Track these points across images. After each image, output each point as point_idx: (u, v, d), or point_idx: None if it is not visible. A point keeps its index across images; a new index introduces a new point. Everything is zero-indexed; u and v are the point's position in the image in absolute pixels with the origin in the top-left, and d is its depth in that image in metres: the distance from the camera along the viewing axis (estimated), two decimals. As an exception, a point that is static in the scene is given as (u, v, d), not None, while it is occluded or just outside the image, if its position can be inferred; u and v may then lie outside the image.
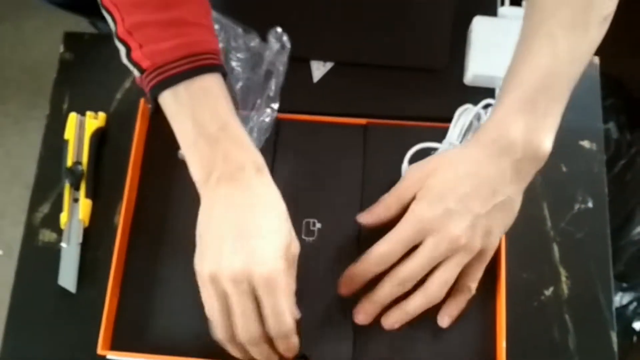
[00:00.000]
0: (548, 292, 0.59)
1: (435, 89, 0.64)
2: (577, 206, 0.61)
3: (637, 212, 1.05)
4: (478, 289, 0.54)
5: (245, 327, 0.47)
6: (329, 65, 0.65)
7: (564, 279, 0.59)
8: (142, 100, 0.61)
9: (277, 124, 0.61)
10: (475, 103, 0.59)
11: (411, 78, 0.64)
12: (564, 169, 0.62)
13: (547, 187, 0.62)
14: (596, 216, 0.61)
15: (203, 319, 0.51)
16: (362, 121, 0.61)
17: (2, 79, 1.25)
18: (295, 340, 0.50)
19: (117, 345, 0.55)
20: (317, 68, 0.65)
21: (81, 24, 1.24)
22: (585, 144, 0.63)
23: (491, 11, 0.67)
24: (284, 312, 0.47)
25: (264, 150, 0.58)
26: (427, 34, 0.65)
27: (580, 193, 0.62)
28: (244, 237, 0.47)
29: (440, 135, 0.59)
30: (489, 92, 0.63)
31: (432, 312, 0.54)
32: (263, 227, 0.48)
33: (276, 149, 0.60)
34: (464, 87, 0.64)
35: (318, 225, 0.58)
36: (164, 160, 0.60)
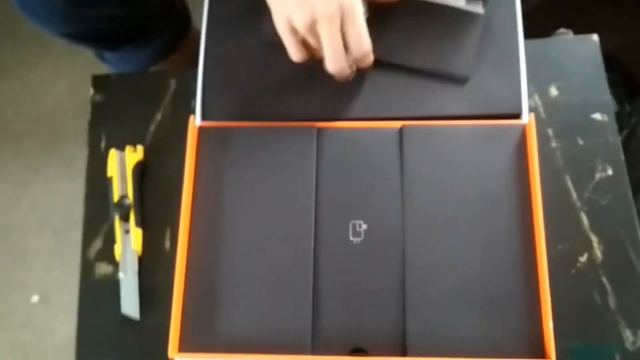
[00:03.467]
0: (583, 259, 0.62)
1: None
2: (598, 175, 0.65)
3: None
4: (520, 267, 0.58)
5: (337, 57, 0.58)
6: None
7: (595, 245, 0.63)
8: (190, 119, 0.64)
9: (318, 133, 0.64)
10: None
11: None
12: (581, 142, 0.66)
13: (568, 161, 0.65)
14: (617, 183, 0.65)
15: (267, 316, 0.56)
16: (397, 124, 0.65)
17: (17, 134, 1.28)
18: (372, 55, 0.61)
19: (186, 347, 0.58)
20: None
21: (86, 69, 1.29)
22: (597, 116, 0.67)
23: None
24: (365, 33, 0.58)
25: (306, 159, 0.63)
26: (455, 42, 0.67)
27: (599, 162, 0.65)
28: None
29: (468, 134, 0.63)
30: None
31: (481, 293, 0.58)
32: None
33: (318, 157, 0.64)
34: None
35: (364, 226, 0.62)
36: (215, 177, 0.64)
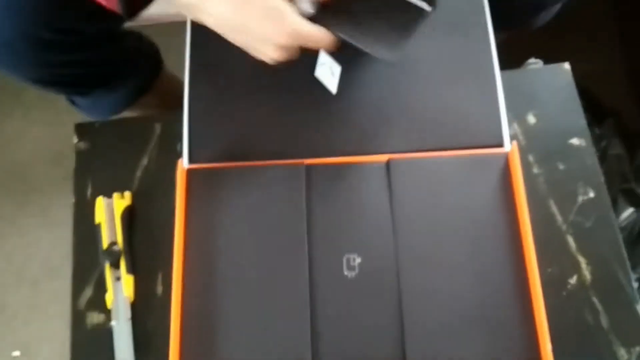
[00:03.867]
0: (573, 280, 0.63)
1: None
2: (580, 198, 0.67)
3: (619, 200, 1.11)
4: (514, 291, 0.59)
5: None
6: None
7: (584, 266, 0.64)
8: (178, 162, 0.64)
9: (306, 170, 0.65)
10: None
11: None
12: (561, 166, 0.68)
13: (550, 185, 0.67)
14: (599, 204, 0.67)
15: (265, 357, 0.55)
16: (384, 157, 0.66)
17: (-9, 185, 1.26)
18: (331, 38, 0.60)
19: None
20: None
21: (59, 117, 1.28)
22: (575, 141, 0.69)
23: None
24: (318, 36, 0.59)
25: (296, 196, 0.63)
26: None
27: (581, 186, 0.67)
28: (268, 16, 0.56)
29: (453, 164, 0.65)
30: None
31: (477, 316, 0.59)
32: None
33: (308, 193, 0.65)
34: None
35: (358, 259, 0.62)
36: (205, 219, 0.64)
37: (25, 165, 1.26)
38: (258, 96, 0.68)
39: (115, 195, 0.67)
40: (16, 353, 1.09)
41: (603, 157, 1.14)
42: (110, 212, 0.66)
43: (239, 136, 0.68)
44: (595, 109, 1.17)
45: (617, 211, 1.11)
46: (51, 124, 1.30)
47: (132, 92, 0.93)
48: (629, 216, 1.10)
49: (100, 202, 0.67)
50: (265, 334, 0.60)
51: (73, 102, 0.95)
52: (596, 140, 1.14)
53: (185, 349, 0.59)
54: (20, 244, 1.19)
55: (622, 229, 1.11)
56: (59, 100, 0.96)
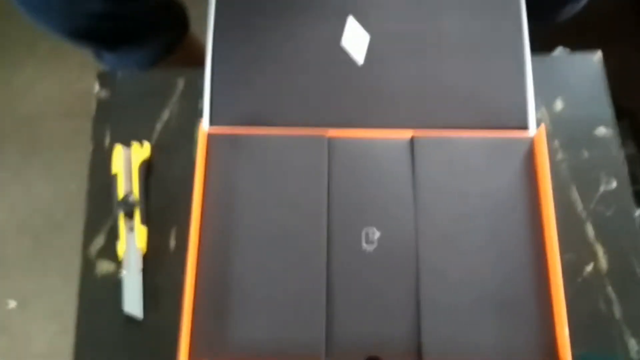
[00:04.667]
0: (589, 268, 0.63)
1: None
2: (602, 187, 0.66)
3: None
4: (533, 274, 0.59)
5: None
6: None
7: (601, 255, 0.64)
8: (200, 124, 0.63)
9: (329, 142, 0.64)
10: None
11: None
12: (586, 155, 0.67)
13: (574, 172, 0.66)
14: (620, 195, 0.66)
15: (279, 325, 0.56)
16: (408, 133, 0.65)
17: (-1, 134, 1.25)
18: None
19: (196, 354, 0.57)
20: None
21: (72, 73, 1.27)
22: (601, 130, 0.68)
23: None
24: None
25: (317, 168, 0.63)
26: None
27: (604, 175, 0.67)
28: None
29: (478, 144, 0.64)
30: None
31: (495, 300, 0.58)
32: None
33: (329, 166, 0.64)
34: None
35: (377, 233, 0.61)
36: (225, 185, 0.63)
37: (34, 118, 1.25)
38: (283, 62, 0.67)
39: (134, 144, 0.66)
40: (12, 304, 1.08)
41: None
42: (127, 161, 0.65)
43: (261, 101, 0.67)
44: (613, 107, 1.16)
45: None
46: (63, 79, 1.28)
47: (159, 50, 0.92)
48: (638, 217, 1.10)
49: (119, 150, 0.66)
50: (281, 301, 0.59)
51: (99, 56, 0.94)
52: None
53: (198, 312, 0.59)
54: (24, 195, 1.18)
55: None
56: (73, 56, 0.95)
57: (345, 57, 0.67)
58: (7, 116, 1.26)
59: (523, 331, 0.58)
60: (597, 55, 0.72)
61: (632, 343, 0.60)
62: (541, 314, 0.58)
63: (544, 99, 0.70)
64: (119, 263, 0.63)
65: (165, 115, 0.69)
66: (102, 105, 0.70)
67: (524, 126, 0.66)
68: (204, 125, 0.64)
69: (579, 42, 0.92)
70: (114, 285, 0.62)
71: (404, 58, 0.68)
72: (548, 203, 0.61)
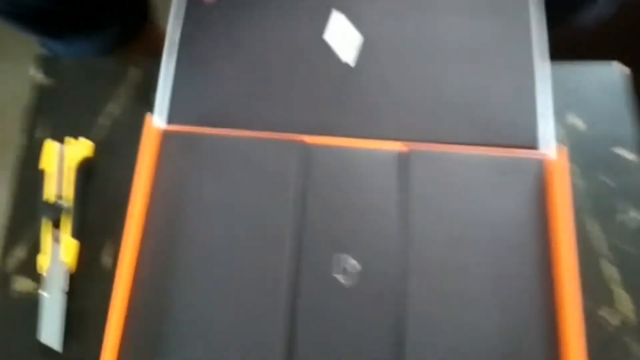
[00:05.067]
0: (614, 321, 0.52)
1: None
2: (622, 218, 0.56)
3: None
4: (541, 317, 0.48)
5: None
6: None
7: (622, 301, 0.53)
8: (147, 117, 0.53)
9: (305, 149, 0.54)
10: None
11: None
12: (606, 180, 0.57)
13: (590, 200, 0.56)
14: (646, 229, 0.56)
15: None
16: (398, 145, 0.55)
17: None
18: None
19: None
20: None
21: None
22: (622, 152, 0.58)
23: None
24: None
25: (289, 178, 0.52)
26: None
27: (625, 205, 0.56)
28: None
29: (484, 163, 0.54)
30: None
31: (493, 354, 0.47)
32: None
33: (304, 177, 0.53)
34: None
35: (355, 263, 0.51)
36: (176, 190, 0.53)
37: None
38: (257, 59, 0.57)
39: (68, 140, 0.56)
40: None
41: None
42: (60, 159, 0.55)
43: (228, 101, 0.56)
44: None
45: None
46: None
47: (113, 38, 0.81)
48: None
49: (50, 145, 0.55)
50: (228, 335, 0.48)
51: (45, 45, 0.83)
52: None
53: (127, 338, 0.48)
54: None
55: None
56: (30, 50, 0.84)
57: (330, 57, 0.57)
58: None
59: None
60: (618, 66, 0.62)
61: (658, 411, 0.49)
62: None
63: (556, 115, 0.59)
64: (40, 281, 0.52)
65: (113, 109, 0.58)
66: (38, 93, 0.59)
67: (533, 145, 0.55)
68: (156, 122, 0.54)
69: (595, 52, 0.83)
70: (33, 305, 0.51)
71: (398, 62, 0.58)
72: (567, 237, 0.50)
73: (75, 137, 0.56)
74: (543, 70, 0.58)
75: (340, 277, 0.50)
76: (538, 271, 0.50)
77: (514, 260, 0.51)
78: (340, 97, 0.56)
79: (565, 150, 0.53)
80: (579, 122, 0.60)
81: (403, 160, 0.54)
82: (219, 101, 0.56)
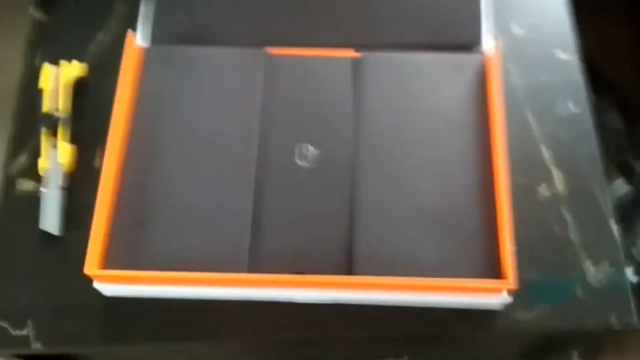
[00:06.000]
0: (544, 191, 0.58)
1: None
2: (559, 111, 0.62)
3: (615, 175, 1.06)
4: (478, 190, 0.55)
5: None
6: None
7: (556, 178, 0.59)
8: (129, 33, 0.60)
9: (268, 58, 0.61)
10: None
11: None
12: (544, 78, 0.63)
13: (530, 96, 0.62)
14: (580, 120, 0.62)
15: (203, 236, 0.53)
16: (351, 53, 0.62)
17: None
18: None
19: (109, 264, 0.52)
20: None
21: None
22: (560, 54, 0.65)
23: None
24: None
25: (253, 82, 0.59)
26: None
27: (562, 99, 0.62)
28: None
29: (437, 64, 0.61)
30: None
31: (435, 216, 0.54)
32: None
33: (267, 81, 0.60)
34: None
35: (314, 151, 0.57)
36: (155, 97, 0.60)
37: None
38: None
39: (63, 63, 0.63)
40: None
41: (602, 130, 1.08)
42: (56, 79, 0.62)
43: (201, 21, 0.64)
44: (598, 81, 1.12)
45: (611, 185, 1.06)
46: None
47: None
48: (624, 190, 1.05)
49: (47, 69, 0.62)
50: (205, 213, 0.55)
51: None
52: (596, 111, 1.10)
53: (115, 221, 0.54)
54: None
55: (616, 204, 1.06)
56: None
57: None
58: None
59: (464, 248, 0.53)
60: (557, -19, 0.68)
61: (588, 266, 0.55)
62: (485, 231, 0.53)
63: (500, 23, 0.66)
64: (40, 181, 0.59)
65: (100, 36, 0.66)
66: (36, 27, 0.67)
67: (477, 44, 0.62)
68: (138, 40, 0.61)
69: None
70: (36, 203, 0.58)
71: None
72: (499, 123, 0.56)
73: (69, 61, 0.64)
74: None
75: (300, 162, 0.57)
76: (475, 150, 0.57)
77: (455, 142, 0.57)
78: (296, 10, 0.64)
79: (499, 46, 0.59)
80: (518, 30, 0.66)
81: (357, 64, 0.61)
82: (193, 23, 0.63)
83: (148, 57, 0.61)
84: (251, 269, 0.52)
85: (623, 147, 1.07)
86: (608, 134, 1.08)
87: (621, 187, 1.04)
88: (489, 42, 0.61)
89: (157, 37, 0.63)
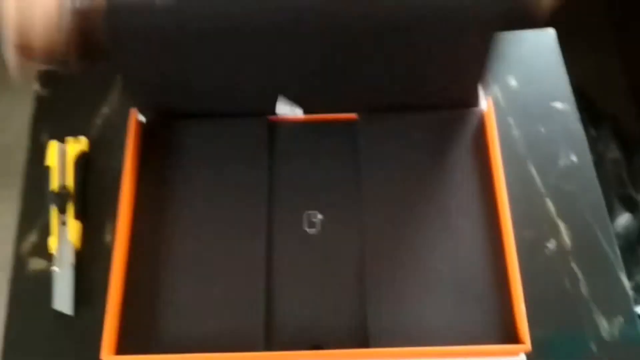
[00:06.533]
0: (552, 245, 0.59)
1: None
2: (561, 162, 0.63)
3: (616, 206, 1.06)
4: (486, 252, 0.55)
5: None
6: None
7: (563, 231, 0.59)
8: (131, 112, 0.61)
9: (270, 124, 0.62)
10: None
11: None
12: (543, 130, 0.64)
13: (531, 148, 0.63)
14: (582, 169, 0.62)
15: (216, 314, 0.53)
16: (353, 116, 0.62)
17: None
18: None
19: (124, 348, 0.52)
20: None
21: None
22: (557, 105, 0.65)
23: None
24: None
25: (258, 151, 0.60)
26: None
27: (562, 150, 0.63)
28: None
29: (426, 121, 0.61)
30: None
31: (446, 282, 0.54)
32: None
33: (271, 148, 0.61)
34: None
35: (320, 216, 0.58)
36: (161, 171, 0.61)
37: (7, 149, 1.23)
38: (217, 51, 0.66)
39: (69, 139, 0.64)
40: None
41: (601, 160, 1.09)
42: (62, 156, 0.63)
43: (199, 92, 0.65)
44: (593, 112, 1.14)
45: (614, 217, 1.06)
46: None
47: None
48: (625, 222, 1.05)
49: (54, 145, 0.63)
50: (218, 289, 0.55)
51: None
52: (593, 143, 1.10)
53: (127, 302, 0.55)
54: None
55: (619, 235, 1.06)
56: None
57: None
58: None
59: (478, 312, 0.53)
60: (550, 32, 0.69)
61: (601, 321, 0.55)
62: (497, 293, 0.54)
63: (496, 77, 0.67)
64: (51, 260, 0.59)
65: (105, 110, 0.67)
66: (40, 103, 0.68)
67: (476, 104, 0.63)
68: (140, 116, 0.62)
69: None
70: (47, 281, 0.59)
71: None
72: (500, 178, 0.57)
73: (75, 136, 0.64)
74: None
75: (309, 230, 0.58)
76: (479, 207, 0.58)
77: (459, 200, 0.58)
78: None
79: (491, 100, 0.60)
80: (514, 82, 0.67)
81: (356, 126, 0.62)
82: (190, 94, 0.64)
83: (147, 131, 0.62)
84: (267, 346, 0.52)
85: (622, 177, 1.08)
86: (606, 165, 1.09)
87: (624, 219, 1.05)
88: (482, 99, 0.62)
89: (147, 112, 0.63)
